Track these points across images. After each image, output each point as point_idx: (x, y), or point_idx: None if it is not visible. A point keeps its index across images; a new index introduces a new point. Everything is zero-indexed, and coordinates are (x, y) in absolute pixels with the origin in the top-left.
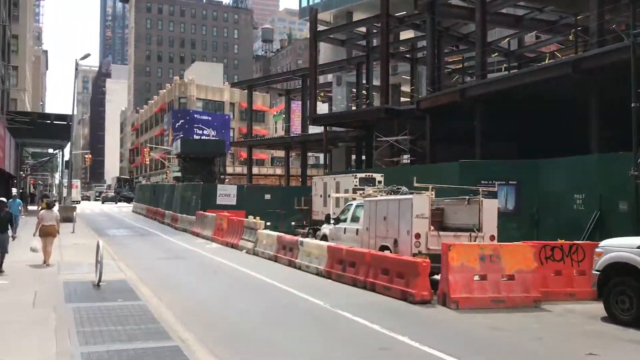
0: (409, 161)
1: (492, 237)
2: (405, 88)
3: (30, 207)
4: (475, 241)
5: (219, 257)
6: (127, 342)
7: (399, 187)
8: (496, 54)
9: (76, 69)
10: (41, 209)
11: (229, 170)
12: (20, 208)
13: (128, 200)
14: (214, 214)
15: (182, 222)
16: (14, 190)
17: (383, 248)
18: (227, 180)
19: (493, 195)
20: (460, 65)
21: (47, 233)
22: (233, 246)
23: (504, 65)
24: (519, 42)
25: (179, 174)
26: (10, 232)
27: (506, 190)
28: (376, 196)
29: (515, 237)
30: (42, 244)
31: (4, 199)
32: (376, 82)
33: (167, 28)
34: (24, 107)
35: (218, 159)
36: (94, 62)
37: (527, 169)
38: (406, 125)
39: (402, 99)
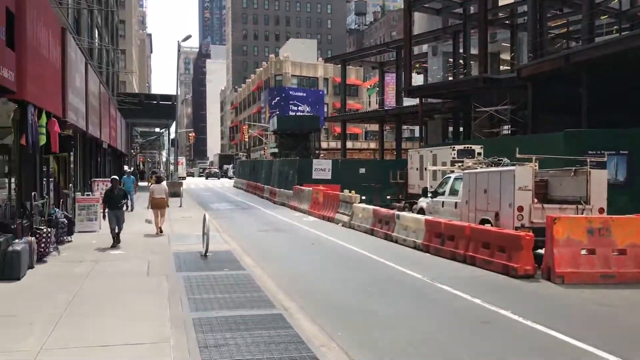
0: (509, 132)
1: (601, 210)
2: (505, 56)
3: (140, 184)
4: (582, 214)
5: (316, 230)
6: (233, 309)
7: (500, 158)
8: (605, 16)
9: (178, 51)
10: (151, 184)
11: (324, 145)
12: (133, 184)
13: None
14: (310, 188)
15: (280, 196)
16: (127, 168)
17: (483, 221)
18: (322, 155)
19: (602, 165)
20: (565, 30)
21: (158, 205)
22: (329, 219)
23: (615, 27)
24: (632, 1)
25: (276, 150)
26: (126, 206)
27: (616, 161)
28: (476, 168)
29: (626, 210)
30: (154, 215)
31: (116, 177)
32: (474, 50)
33: (262, 7)
34: (131, 88)
35: (313, 135)
36: (194, 43)
37: (639, 137)
38: (506, 94)
39: (502, 68)
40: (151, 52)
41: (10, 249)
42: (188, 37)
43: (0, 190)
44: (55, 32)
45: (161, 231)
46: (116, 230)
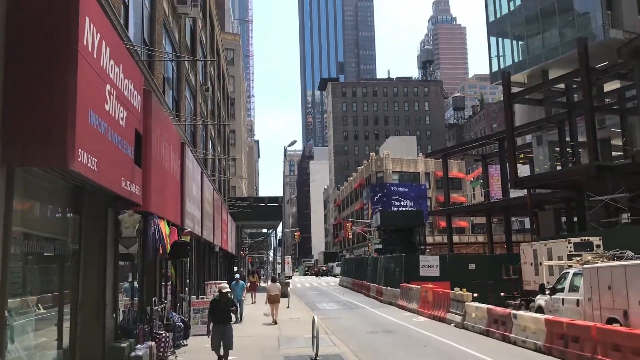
0: (629, 221)
1: None
2: (616, 142)
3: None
4: None
5: (427, 331)
6: None
7: (623, 251)
8: None
9: (285, 155)
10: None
11: (429, 240)
12: (244, 290)
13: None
14: (418, 286)
15: (386, 295)
16: (236, 271)
17: (610, 321)
18: (427, 250)
19: None
20: None
21: (273, 300)
22: (440, 319)
23: None
24: None
25: (380, 246)
26: (235, 317)
27: None
28: (596, 262)
29: None
30: (271, 309)
31: (225, 285)
32: (581, 138)
33: (361, 109)
34: (241, 192)
35: (417, 229)
36: (298, 146)
37: None
38: (621, 181)
39: (614, 154)
40: (258, 156)
41: (132, 354)
42: (293, 143)
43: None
44: (176, 147)
45: (275, 322)
46: (221, 351)
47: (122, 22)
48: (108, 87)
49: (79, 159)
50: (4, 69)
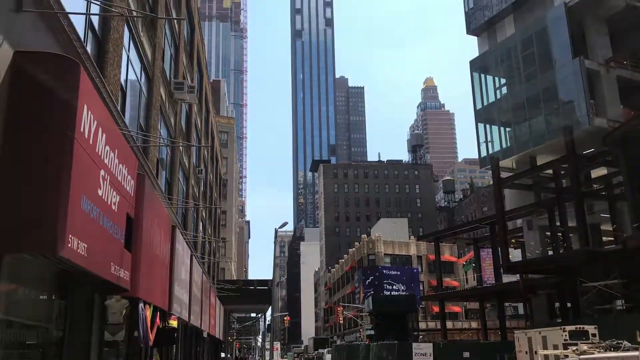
0: (623, 307)
1: None
2: (606, 227)
3: None
4: None
5: None
6: None
7: (619, 341)
8: None
9: (275, 237)
10: None
11: (422, 325)
12: None
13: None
14: None
15: None
16: (223, 358)
17: None
18: (421, 337)
19: None
20: None
21: None
22: None
23: None
24: None
25: (372, 332)
26: None
27: None
28: (593, 353)
29: None
30: None
31: None
32: (571, 223)
33: (352, 190)
34: (230, 275)
35: (410, 315)
36: (289, 227)
37: None
38: (614, 267)
39: (604, 239)
40: (249, 237)
41: None
42: (284, 225)
43: None
44: (166, 230)
45: None
46: None
47: (119, 107)
48: (102, 172)
49: (69, 245)
50: (1, 157)
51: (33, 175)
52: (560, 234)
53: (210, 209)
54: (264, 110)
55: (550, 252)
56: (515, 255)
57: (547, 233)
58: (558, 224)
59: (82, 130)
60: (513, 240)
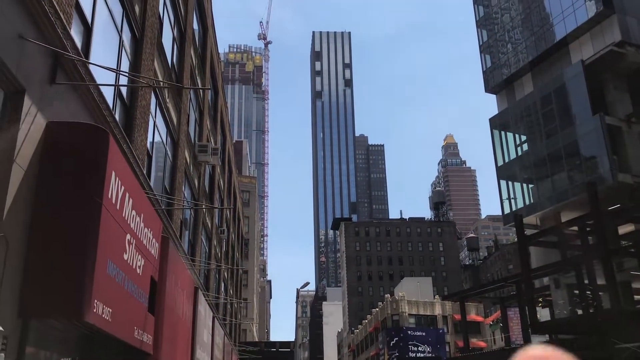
0: None
1: None
2: (637, 284)
3: None
4: None
5: None
6: None
7: None
8: None
9: (297, 298)
10: None
11: None
12: None
13: None
14: None
15: None
16: None
17: None
18: None
19: None
20: None
21: None
22: None
23: None
24: None
25: None
26: None
27: None
28: None
29: None
30: None
31: None
32: (600, 280)
33: (374, 248)
34: (252, 336)
35: None
36: (311, 286)
37: None
38: None
39: (636, 297)
40: (270, 297)
41: None
42: (306, 285)
43: None
44: (189, 292)
45: None
46: None
47: (145, 171)
48: (128, 236)
49: (94, 310)
50: (30, 227)
51: (61, 241)
52: (589, 293)
53: (232, 269)
54: (285, 169)
55: (580, 312)
56: (543, 314)
57: (576, 291)
58: (586, 281)
59: (109, 196)
60: (540, 300)
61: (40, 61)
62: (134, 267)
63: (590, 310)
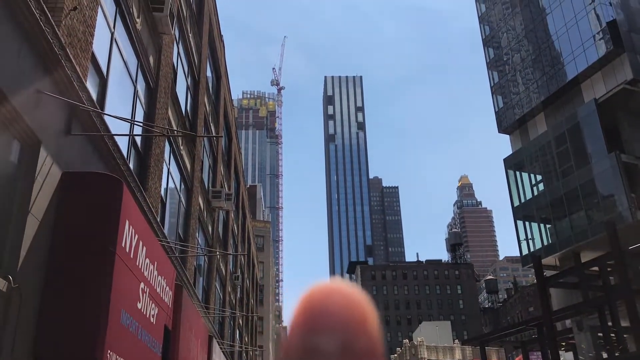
0: None
1: None
2: None
3: None
4: None
5: None
6: None
7: None
8: None
9: None
10: None
11: None
12: None
13: None
14: None
15: None
16: None
17: None
18: None
19: None
20: None
21: None
22: None
23: None
24: None
25: None
26: None
27: None
28: None
29: None
30: None
31: None
32: (624, 322)
33: (391, 292)
34: None
35: None
36: None
37: None
38: None
39: None
40: None
41: None
42: None
43: None
44: (203, 341)
45: None
46: None
47: (158, 218)
48: (142, 285)
49: None
50: (44, 277)
51: (75, 291)
52: (613, 335)
53: (247, 316)
54: (299, 213)
55: (605, 355)
56: (567, 358)
57: (600, 334)
58: (610, 323)
59: (123, 245)
60: (563, 343)
61: (56, 113)
62: (147, 316)
63: (616, 354)
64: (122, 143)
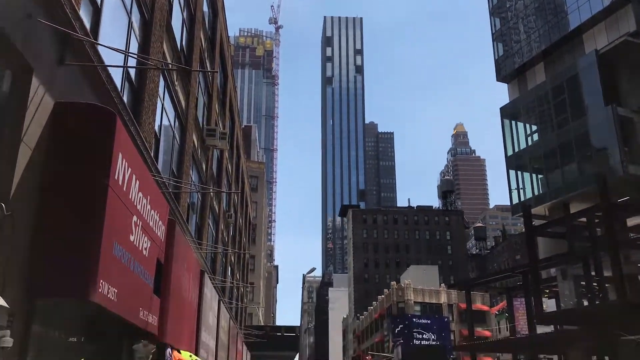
0: None
1: None
2: None
3: None
4: None
5: None
6: None
7: None
8: None
9: (303, 284)
10: None
11: None
12: None
13: None
14: None
15: None
16: None
17: None
18: None
19: None
20: None
21: None
22: None
23: None
24: None
25: None
26: None
27: None
28: None
29: None
30: None
31: None
32: (607, 272)
33: (382, 236)
34: (258, 320)
35: None
36: (317, 272)
37: None
38: None
39: None
40: (277, 282)
41: None
42: (312, 270)
43: None
44: (195, 275)
45: None
46: None
47: (152, 154)
48: (135, 218)
49: (100, 290)
50: (37, 207)
51: (67, 222)
52: (595, 284)
53: (239, 253)
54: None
55: (586, 303)
56: (549, 305)
57: (582, 283)
58: (593, 273)
59: (116, 177)
60: (547, 291)
61: (48, 41)
62: (140, 248)
63: (597, 302)
64: (116, 76)
